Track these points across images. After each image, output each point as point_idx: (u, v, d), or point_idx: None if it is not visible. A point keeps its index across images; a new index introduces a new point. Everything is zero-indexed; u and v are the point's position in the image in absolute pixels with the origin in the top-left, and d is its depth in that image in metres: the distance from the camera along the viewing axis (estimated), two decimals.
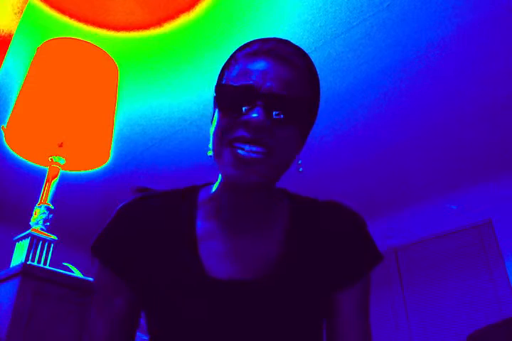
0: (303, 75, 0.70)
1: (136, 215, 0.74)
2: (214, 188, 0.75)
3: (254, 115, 0.63)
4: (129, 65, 2.27)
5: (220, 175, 0.72)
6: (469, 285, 2.92)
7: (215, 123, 0.69)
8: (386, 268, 3.29)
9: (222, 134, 0.66)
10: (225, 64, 0.74)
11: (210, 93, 2.45)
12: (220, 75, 0.75)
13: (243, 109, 0.65)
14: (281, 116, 0.65)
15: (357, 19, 1.99)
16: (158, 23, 2.05)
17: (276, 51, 0.69)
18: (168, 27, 2.07)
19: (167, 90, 2.43)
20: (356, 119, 2.57)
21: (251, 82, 0.66)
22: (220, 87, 0.69)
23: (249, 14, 1.98)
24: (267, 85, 0.66)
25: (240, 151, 0.64)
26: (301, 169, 0.73)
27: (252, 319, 0.67)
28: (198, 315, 0.67)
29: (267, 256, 0.71)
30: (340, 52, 2.15)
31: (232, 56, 0.73)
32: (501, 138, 2.66)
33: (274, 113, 0.65)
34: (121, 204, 0.76)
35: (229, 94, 0.67)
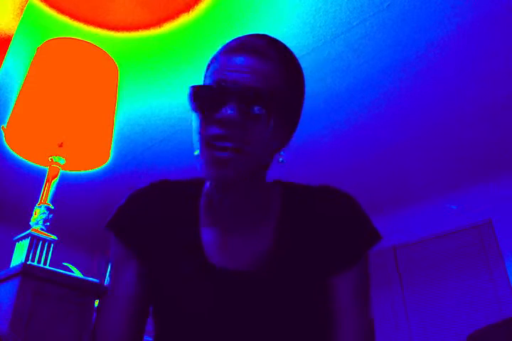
0: (278, 68, 0.69)
1: (149, 200, 0.78)
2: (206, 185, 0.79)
3: (225, 111, 0.64)
4: (129, 65, 2.27)
5: None
6: (469, 285, 2.92)
7: (193, 123, 0.70)
8: (386, 268, 3.29)
9: (199, 134, 0.67)
10: (207, 66, 0.75)
11: None
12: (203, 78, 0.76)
13: (216, 106, 0.65)
14: (256, 109, 0.65)
15: (357, 19, 1.99)
16: (158, 23, 2.05)
17: (251, 46, 0.69)
18: (168, 27, 2.07)
19: (167, 90, 2.42)
20: (356, 119, 2.57)
21: (224, 77, 0.66)
22: (191, 89, 0.68)
23: (249, 14, 1.98)
24: (240, 80, 0.65)
25: (214, 152, 0.65)
26: (281, 159, 0.72)
27: (251, 307, 0.69)
28: (197, 302, 0.69)
29: (262, 245, 0.72)
30: (340, 52, 2.14)
31: (212, 57, 0.74)
32: (501, 138, 2.66)
33: (249, 107, 0.65)
34: (135, 189, 0.80)
35: (200, 94, 0.68)
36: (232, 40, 0.73)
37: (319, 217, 0.74)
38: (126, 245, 0.76)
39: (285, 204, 0.76)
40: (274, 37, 0.74)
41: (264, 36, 0.73)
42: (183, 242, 0.73)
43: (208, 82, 0.70)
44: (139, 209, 0.77)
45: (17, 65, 2.25)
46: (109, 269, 0.79)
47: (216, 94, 0.66)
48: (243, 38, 0.72)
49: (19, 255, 1.44)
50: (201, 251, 0.72)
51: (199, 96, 0.67)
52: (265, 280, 0.70)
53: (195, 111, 0.69)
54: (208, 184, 0.78)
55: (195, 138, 0.69)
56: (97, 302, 1.44)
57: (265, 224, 0.75)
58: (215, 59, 0.72)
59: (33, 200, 1.59)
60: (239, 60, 0.67)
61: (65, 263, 1.61)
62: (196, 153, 0.71)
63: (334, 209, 0.75)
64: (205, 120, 0.66)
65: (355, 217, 0.76)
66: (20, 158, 1.71)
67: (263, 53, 0.68)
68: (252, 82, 0.65)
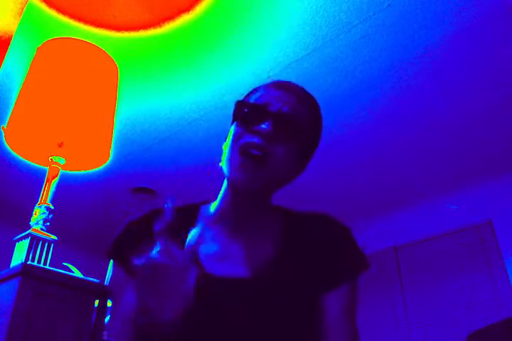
0: (309, 113, 0.84)
1: (144, 225, 0.83)
2: (219, 196, 0.86)
3: (264, 126, 0.77)
4: (129, 65, 2.27)
5: (225, 182, 0.84)
6: (469, 285, 2.92)
7: (230, 133, 0.81)
8: (386, 268, 3.28)
9: (235, 141, 0.79)
10: (250, 91, 0.90)
11: (210, 93, 2.44)
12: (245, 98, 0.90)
13: (256, 121, 0.78)
14: (285, 133, 0.78)
15: (357, 19, 1.99)
16: (158, 23, 2.05)
17: (293, 89, 0.85)
18: (168, 27, 2.07)
19: (167, 90, 2.43)
20: (356, 119, 2.57)
21: (266, 101, 0.80)
22: (239, 102, 0.83)
23: (249, 14, 1.98)
24: (279, 105, 0.80)
25: (246, 160, 0.76)
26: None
27: (245, 315, 0.72)
28: (194, 311, 0.70)
29: (262, 258, 0.79)
30: (340, 52, 2.14)
31: (256, 87, 0.89)
32: (501, 137, 2.66)
33: (281, 129, 0.77)
34: (131, 217, 0.88)
35: (246, 109, 0.81)
36: (277, 81, 0.88)
37: (318, 239, 0.83)
38: (127, 271, 0.81)
39: (286, 224, 0.85)
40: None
41: (302, 88, 0.88)
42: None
43: (252, 101, 0.83)
44: (136, 234, 0.83)
45: (17, 65, 2.25)
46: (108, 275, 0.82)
47: (258, 112, 0.79)
48: (286, 82, 0.87)
49: (19, 255, 1.44)
50: (199, 263, 0.77)
51: (244, 110, 0.81)
52: (263, 288, 0.75)
53: (237, 122, 0.81)
54: (217, 198, 0.86)
55: (230, 145, 0.79)
56: (97, 303, 1.44)
57: (266, 236, 0.83)
58: (258, 89, 0.86)
59: (33, 200, 1.59)
60: (283, 94, 0.82)
61: (65, 263, 1.61)
62: (224, 158, 0.80)
63: (332, 236, 0.84)
64: (245, 130, 0.79)
65: (351, 246, 0.84)
66: (20, 158, 1.71)
67: (301, 97, 0.84)
68: (289, 111, 0.80)
